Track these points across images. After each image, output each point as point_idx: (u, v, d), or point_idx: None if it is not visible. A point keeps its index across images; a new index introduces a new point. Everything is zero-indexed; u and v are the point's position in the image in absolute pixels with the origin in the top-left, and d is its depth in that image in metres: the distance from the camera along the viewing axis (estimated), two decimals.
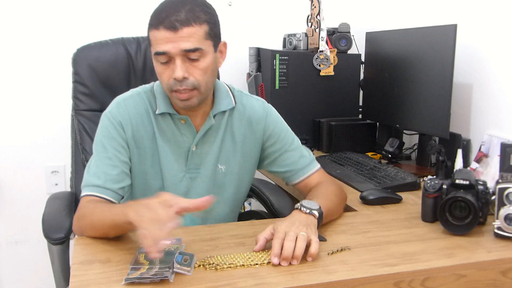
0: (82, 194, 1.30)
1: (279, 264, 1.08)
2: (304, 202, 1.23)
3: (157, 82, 1.39)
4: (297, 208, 1.23)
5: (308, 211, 1.21)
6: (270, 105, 1.49)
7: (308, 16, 2.32)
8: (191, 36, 1.21)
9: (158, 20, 1.22)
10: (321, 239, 1.22)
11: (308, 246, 1.11)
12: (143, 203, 1.06)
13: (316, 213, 1.21)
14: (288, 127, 1.50)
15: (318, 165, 1.50)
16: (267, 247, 1.16)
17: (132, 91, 1.40)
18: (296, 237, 1.11)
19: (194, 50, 1.22)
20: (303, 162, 1.48)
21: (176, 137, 1.37)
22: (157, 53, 1.23)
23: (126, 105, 1.35)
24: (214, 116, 1.37)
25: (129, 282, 1.00)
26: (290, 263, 1.08)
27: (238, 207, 1.52)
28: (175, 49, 1.21)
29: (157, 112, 1.34)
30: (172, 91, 1.26)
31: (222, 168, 1.42)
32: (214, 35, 1.27)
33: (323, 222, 1.26)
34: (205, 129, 1.37)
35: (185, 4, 1.22)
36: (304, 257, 1.10)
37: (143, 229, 1.00)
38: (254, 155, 1.46)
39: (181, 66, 1.22)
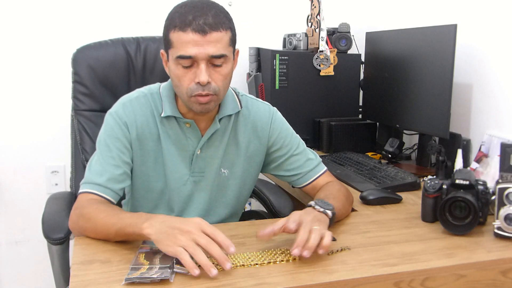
0: (82, 190, 1.29)
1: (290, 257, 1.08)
2: (319, 201, 1.23)
3: (163, 84, 1.39)
4: (310, 206, 1.22)
5: (322, 209, 1.21)
6: (275, 108, 1.48)
7: (308, 16, 2.32)
8: (218, 41, 1.21)
9: (185, 22, 1.19)
10: (332, 239, 1.22)
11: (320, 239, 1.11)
12: (164, 220, 1.09)
13: (329, 213, 1.21)
14: (293, 130, 1.49)
15: (325, 167, 1.50)
16: (267, 247, 1.16)
17: (138, 91, 1.39)
18: (310, 230, 1.11)
19: (220, 56, 1.22)
20: (309, 165, 1.47)
21: (181, 140, 1.36)
22: (182, 57, 1.21)
23: (132, 106, 1.35)
24: (219, 120, 1.36)
25: (129, 282, 1.00)
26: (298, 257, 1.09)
27: (239, 210, 1.52)
28: (201, 54, 1.20)
29: (162, 115, 1.34)
30: (191, 95, 1.24)
31: (225, 172, 1.41)
32: (234, 42, 1.28)
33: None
34: (210, 133, 1.36)
35: (210, 9, 1.22)
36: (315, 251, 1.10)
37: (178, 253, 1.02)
38: (258, 160, 1.46)
39: (205, 70, 1.21)
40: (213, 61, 1.22)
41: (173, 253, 1.03)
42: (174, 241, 1.03)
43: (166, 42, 1.26)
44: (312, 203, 1.23)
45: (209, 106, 1.27)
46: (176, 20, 1.21)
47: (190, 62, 1.22)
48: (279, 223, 1.15)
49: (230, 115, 1.39)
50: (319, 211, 1.20)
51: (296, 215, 1.16)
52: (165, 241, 1.04)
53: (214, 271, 1.00)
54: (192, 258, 1.02)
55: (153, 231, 1.07)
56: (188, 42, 1.19)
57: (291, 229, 1.12)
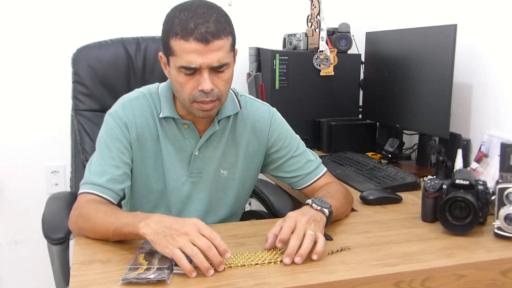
0: (82, 191, 1.29)
1: (281, 262, 1.08)
2: (316, 199, 1.22)
3: (162, 84, 1.38)
4: (308, 204, 1.22)
5: (319, 208, 1.20)
6: (275, 109, 1.47)
7: (308, 16, 2.32)
8: (220, 49, 1.20)
9: (187, 30, 1.18)
10: (328, 238, 1.22)
11: (314, 244, 1.11)
12: (160, 220, 1.08)
13: (326, 211, 1.21)
14: (293, 131, 1.48)
15: (325, 169, 1.49)
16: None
17: (137, 91, 1.39)
18: (304, 235, 1.10)
19: (223, 65, 1.22)
20: (309, 167, 1.46)
21: (179, 141, 1.36)
22: (186, 68, 1.20)
23: (132, 106, 1.35)
24: (218, 122, 1.36)
25: (126, 282, 0.99)
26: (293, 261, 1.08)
27: (239, 211, 1.51)
28: (205, 64, 1.19)
29: (160, 116, 1.34)
30: (194, 101, 1.24)
31: (225, 173, 1.41)
32: (234, 46, 1.27)
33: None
34: (209, 135, 1.36)
35: (211, 14, 1.20)
36: (308, 255, 1.10)
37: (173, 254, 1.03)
38: (257, 161, 1.45)
39: (209, 78, 1.21)
40: (216, 68, 1.22)
41: (171, 255, 1.03)
42: (171, 243, 1.03)
43: (166, 48, 1.24)
44: (309, 201, 1.22)
45: (212, 113, 1.28)
46: (177, 28, 1.19)
47: (193, 70, 1.21)
48: (276, 227, 1.15)
49: (228, 116, 1.39)
50: (316, 210, 1.19)
51: (291, 217, 1.15)
52: (162, 242, 1.04)
53: (211, 272, 1.03)
54: (189, 260, 1.02)
55: (149, 231, 1.07)
56: (191, 52, 1.18)
57: (283, 244, 1.11)
